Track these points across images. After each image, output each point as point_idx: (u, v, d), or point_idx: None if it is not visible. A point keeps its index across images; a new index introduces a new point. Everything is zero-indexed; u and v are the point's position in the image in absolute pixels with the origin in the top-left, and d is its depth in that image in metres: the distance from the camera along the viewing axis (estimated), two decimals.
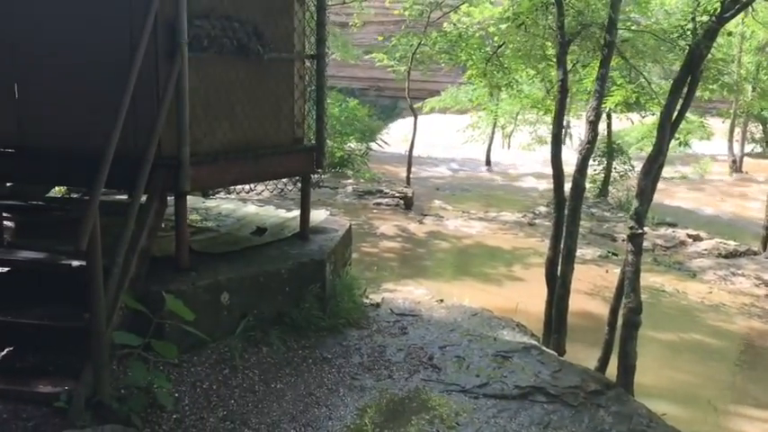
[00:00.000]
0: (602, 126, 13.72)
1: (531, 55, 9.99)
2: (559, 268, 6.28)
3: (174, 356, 3.58)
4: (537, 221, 13.56)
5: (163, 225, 4.34)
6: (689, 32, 5.76)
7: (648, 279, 9.22)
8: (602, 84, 6.20)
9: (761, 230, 12.52)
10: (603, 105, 7.98)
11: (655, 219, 13.04)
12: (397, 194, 14.30)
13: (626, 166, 16.38)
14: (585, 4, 6.89)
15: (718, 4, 5.22)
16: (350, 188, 14.42)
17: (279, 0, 4.60)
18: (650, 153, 5.70)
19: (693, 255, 11.59)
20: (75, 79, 4.09)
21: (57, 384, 3.23)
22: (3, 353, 3.43)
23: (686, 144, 15.06)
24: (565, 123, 15.18)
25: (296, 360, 4.17)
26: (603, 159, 15.93)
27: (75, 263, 3.54)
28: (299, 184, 5.15)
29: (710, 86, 8.08)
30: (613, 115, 15.49)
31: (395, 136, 20.91)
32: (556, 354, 5.06)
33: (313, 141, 5.02)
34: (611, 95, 11.26)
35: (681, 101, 5.69)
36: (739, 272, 10.60)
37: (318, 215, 5.68)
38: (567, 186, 6.41)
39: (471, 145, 22.12)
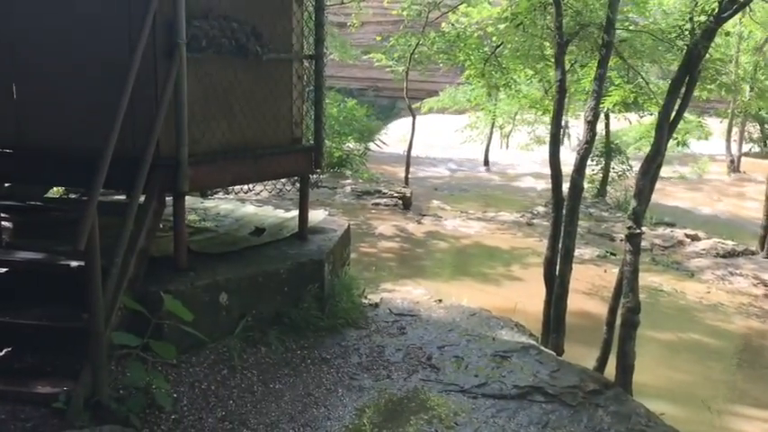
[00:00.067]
0: (600, 126, 13.76)
1: (530, 55, 9.99)
2: (558, 268, 6.28)
3: (173, 357, 3.59)
4: (535, 221, 13.56)
5: (161, 225, 4.34)
6: (687, 32, 5.76)
7: (647, 279, 9.23)
8: (601, 84, 6.20)
9: (759, 230, 12.52)
10: (602, 105, 8.01)
11: (653, 218, 13.04)
12: (396, 194, 14.29)
13: (624, 166, 16.38)
14: (584, 4, 6.89)
15: (716, 4, 5.22)
16: (348, 188, 14.41)
17: (277, 0, 4.60)
18: (648, 153, 5.70)
19: (691, 254, 11.60)
20: (73, 79, 4.09)
21: (55, 385, 3.23)
22: (1, 353, 3.43)
23: (684, 144, 15.07)
24: (563, 123, 15.18)
25: (294, 360, 4.17)
26: (602, 159, 15.94)
27: (74, 263, 3.55)
28: (298, 185, 5.15)
29: (708, 86, 8.08)
30: (611, 115, 15.49)
31: (393, 136, 20.89)
32: (554, 353, 5.07)
33: (311, 141, 5.03)
34: (610, 95, 11.27)
35: (679, 101, 5.69)
36: (737, 271, 10.61)
37: (317, 215, 5.68)
38: (566, 186, 6.41)
39: (469, 145, 22.10)
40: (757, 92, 17.44)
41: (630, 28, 8.29)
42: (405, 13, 14.95)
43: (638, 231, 5.49)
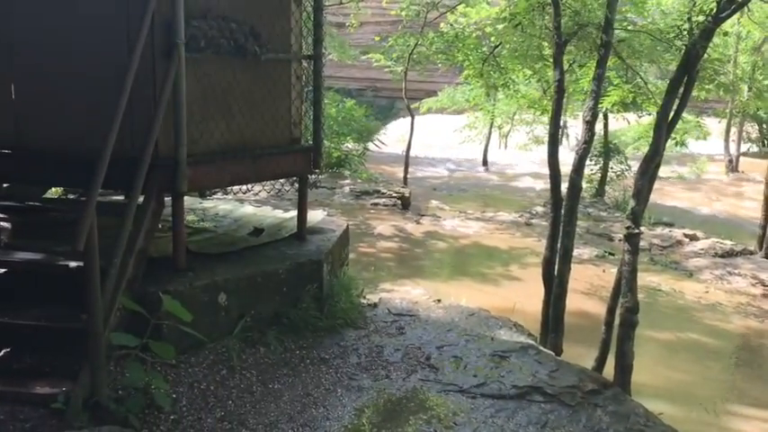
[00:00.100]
0: (598, 126, 13.75)
1: (528, 55, 10.00)
2: (556, 268, 6.28)
3: (172, 357, 3.59)
4: (534, 221, 13.57)
5: (160, 226, 4.34)
6: (685, 32, 5.76)
7: (645, 278, 9.23)
8: (599, 84, 6.21)
9: (757, 230, 12.53)
10: (600, 105, 8.01)
11: (651, 218, 13.05)
12: (395, 195, 14.29)
13: (622, 166, 16.39)
14: (582, 4, 6.89)
15: (714, 4, 5.22)
16: (347, 188, 14.41)
17: (276, 1, 4.60)
18: (647, 153, 5.70)
19: (690, 254, 11.61)
20: (72, 80, 4.09)
21: (54, 385, 3.23)
22: (0, 354, 3.43)
23: (683, 144, 15.07)
24: (561, 123, 15.17)
25: (293, 360, 4.17)
26: (600, 159, 15.95)
27: (73, 264, 3.54)
28: (297, 185, 5.15)
29: (707, 86, 8.08)
30: (610, 115, 15.51)
31: (392, 136, 20.90)
32: (553, 353, 5.07)
33: (310, 142, 5.03)
34: (608, 95, 11.27)
35: (677, 101, 5.69)
36: (736, 271, 10.62)
37: (316, 215, 5.68)
38: (564, 186, 6.41)
39: (468, 145, 22.13)
40: (755, 92, 17.45)
41: (629, 28, 8.29)
42: (403, 13, 14.96)
43: (637, 231, 5.50)
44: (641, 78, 10.18)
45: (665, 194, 17.16)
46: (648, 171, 5.58)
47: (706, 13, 5.32)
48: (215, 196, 6.81)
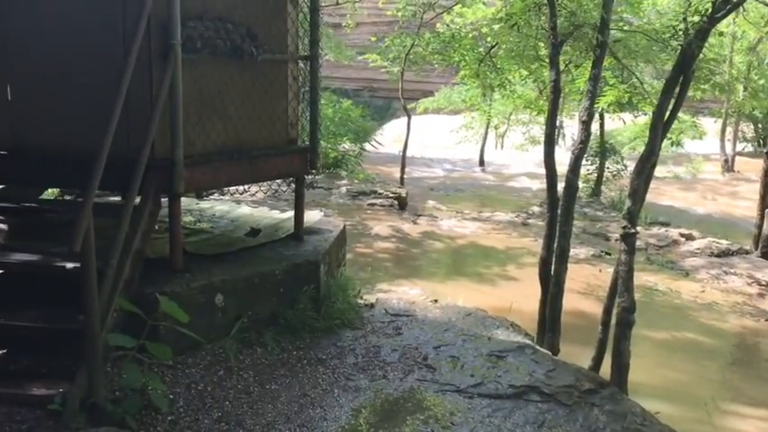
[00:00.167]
0: (594, 126, 13.78)
1: (524, 55, 10.01)
2: (553, 268, 6.29)
3: (169, 358, 3.59)
4: (530, 221, 13.59)
5: (157, 227, 4.33)
6: (681, 33, 5.78)
7: (641, 278, 9.25)
8: (595, 84, 6.22)
9: (753, 229, 12.58)
10: (596, 105, 8.01)
11: (648, 218, 13.08)
12: (391, 195, 14.30)
13: (619, 166, 16.43)
14: (578, 4, 6.90)
15: (710, 4, 5.25)
16: (344, 189, 14.42)
17: (272, 2, 4.61)
18: (643, 153, 5.72)
19: (686, 254, 11.64)
20: (68, 81, 4.09)
21: (51, 387, 3.22)
22: None
23: (678, 144, 15.12)
24: (558, 123, 15.19)
25: (291, 361, 4.17)
26: (596, 159, 15.98)
27: (69, 265, 3.54)
28: (293, 185, 5.15)
29: (702, 86, 8.10)
30: (606, 115, 15.54)
31: (388, 136, 20.92)
32: (550, 353, 5.08)
33: (307, 142, 5.03)
34: (604, 95, 11.29)
35: (673, 101, 5.71)
36: (732, 271, 10.65)
37: (312, 216, 5.69)
38: (561, 186, 6.42)
39: (465, 145, 22.15)
40: (751, 91, 17.51)
41: (625, 28, 8.30)
42: (399, 13, 14.97)
43: (633, 231, 5.51)
44: (637, 78, 10.18)
45: (662, 194, 17.20)
46: (644, 171, 5.60)
47: (701, 13, 5.34)
48: (212, 197, 6.81)
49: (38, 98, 4.18)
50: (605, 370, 5.62)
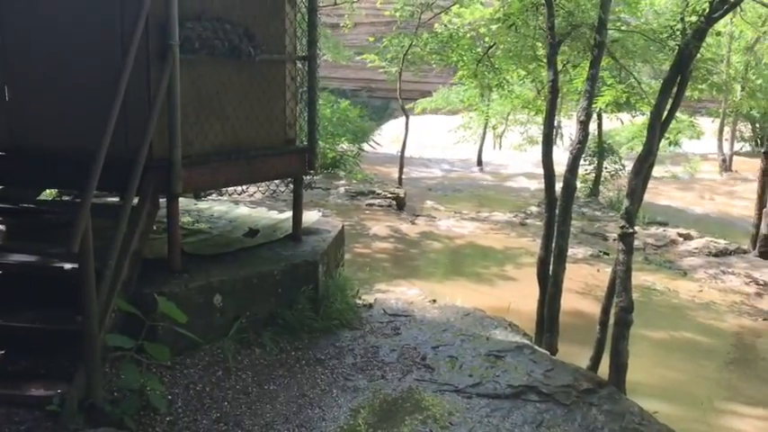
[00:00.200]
0: (592, 126, 13.80)
1: (522, 56, 10.02)
2: (551, 268, 6.29)
3: (167, 359, 3.59)
4: (528, 221, 13.60)
5: (155, 227, 4.33)
6: (678, 33, 5.79)
7: (639, 278, 9.26)
8: (593, 84, 6.23)
9: (750, 228, 12.59)
10: (594, 105, 8.02)
11: (645, 218, 13.09)
12: (390, 195, 14.30)
13: (616, 166, 16.44)
14: (575, 4, 6.91)
15: (707, 4, 5.25)
16: (342, 189, 14.41)
17: (270, 2, 4.61)
18: (640, 153, 5.73)
19: (684, 253, 11.65)
20: (66, 81, 4.09)
21: (49, 387, 3.22)
22: None
23: (676, 143, 15.14)
24: (556, 123, 15.21)
25: (289, 361, 4.17)
26: (594, 159, 15.99)
27: (68, 265, 3.54)
28: (292, 186, 5.15)
29: (700, 86, 8.11)
30: (604, 115, 15.55)
31: (387, 137, 20.91)
32: (548, 353, 5.08)
33: (305, 143, 5.03)
34: (602, 95, 11.30)
35: (670, 100, 5.72)
36: (729, 270, 10.66)
37: (311, 216, 5.69)
38: (559, 186, 6.43)
39: (463, 145, 22.16)
40: (748, 91, 17.50)
41: (622, 28, 8.31)
42: (397, 14, 14.96)
43: (631, 231, 5.52)
44: (635, 78, 10.20)
45: (659, 194, 17.22)
46: (642, 171, 5.60)
47: (699, 13, 5.35)
48: (210, 197, 6.81)
49: (36, 98, 4.18)
50: (603, 370, 5.62)
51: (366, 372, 4.17)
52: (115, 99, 3.43)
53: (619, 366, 5.44)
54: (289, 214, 5.39)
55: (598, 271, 10.02)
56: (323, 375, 4.07)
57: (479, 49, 12.87)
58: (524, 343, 4.84)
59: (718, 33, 11.69)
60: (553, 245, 6.31)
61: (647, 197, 6.25)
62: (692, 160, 21.18)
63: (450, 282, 9.50)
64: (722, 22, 9.14)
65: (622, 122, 16.75)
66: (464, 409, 3.87)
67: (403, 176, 16.90)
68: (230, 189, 5.52)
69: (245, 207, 6.21)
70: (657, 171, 10.75)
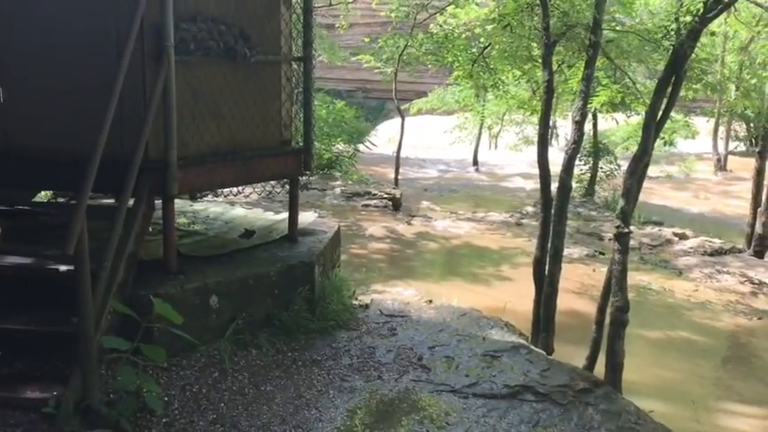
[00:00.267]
0: (588, 126, 13.81)
1: (517, 56, 10.01)
2: (547, 268, 6.31)
3: (163, 360, 3.58)
4: (524, 221, 13.61)
5: (150, 229, 4.32)
6: (673, 33, 5.81)
7: (635, 277, 9.28)
8: (588, 84, 6.24)
9: (745, 228, 12.63)
10: (589, 105, 8.05)
11: (641, 217, 13.12)
12: (386, 196, 14.29)
13: (612, 166, 16.47)
14: (570, 5, 6.92)
15: (701, 4, 5.27)
16: (338, 190, 14.41)
17: (265, 3, 4.60)
18: (636, 152, 5.74)
19: (679, 253, 11.68)
20: (61, 83, 4.07)
21: (45, 390, 3.21)
22: None
23: (671, 143, 15.16)
24: (551, 124, 15.21)
25: (285, 362, 4.17)
26: (590, 159, 16.02)
27: (63, 267, 3.53)
28: (287, 187, 5.15)
29: (694, 86, 8.14)
30: (599, 115, 15.57)
31: (382, 137, 20.92)
32: (544, 353, 5.09)
33: (301, 143, 5.03)
34: (597, 96, 11.32)
35: (665, 100, 5.74)
36: (725, 269, 10.69)
37: (307, 217, 5.68)
38: (554, 186, 6.44)
39: (458, 146, 22.16)
40: (743, 91, 17.53)
41: (617, 28, 8.33)
42: (393, 14, 14.96)
43: (627, 230, 5.53)
44: (630, 78, 10.22)
45: (655, 194, 17.26)
46: (637, 170, 5.62)
47: (693, 13, 5.36)
48: (205, 199, 6.80)
49: (31, 100, 4.16)
50: (599, 369, 5.63)
51: (362, 372, 4.18)
52: (110, 100, 3.42)
53: (615, 366, 5.46)
54: (285, 215, 5.39)
55: (594, 271, 10.03)
56: (319, 376, 4.07)
57: (475, 50, 12.87)
58: (520, 343, 4.85)
59: (713, 33, 11.72)
60: (549, 245, 6.32)
61: (642, 197, 6.27)
62: (687, 160, 21.24)
63: (446, 282, 9.50)
64: (716, 22, 9.17)
65: (617, 122, 16.78)
66: (461, 409, 3.87)
67: (399, 177, 16.90)
68: (226, 190, 5.52)
69: (240, 208, 6.21)
70: (653, 171, 10.81)
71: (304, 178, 10.45)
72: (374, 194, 14.29)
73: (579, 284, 9.34)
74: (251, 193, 5.59)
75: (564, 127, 17.63)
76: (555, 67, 7.78)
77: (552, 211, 6.36)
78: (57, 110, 4.10)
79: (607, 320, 5.74)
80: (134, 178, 3.62)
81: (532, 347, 4.93)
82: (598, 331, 5.97)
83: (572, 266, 9.72)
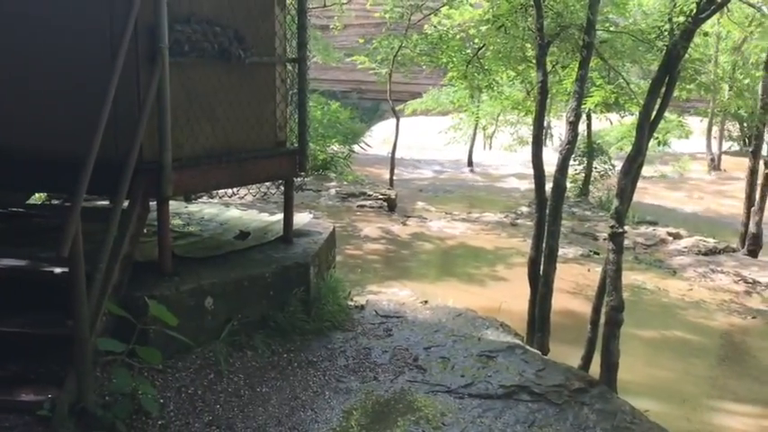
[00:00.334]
0: (582, 126, 13.85)
1: (512, 57, 10.06)
2: (542, 268, 6.32)
3: (159, 362, 3.57)
4: (519, 221, 13.64)
5: (145, 230, 4.32)
6: (666, 33, 5.83)
7: (630, 277, 9.30)
8: (582, 85, 6.26)
9: (739, 227, 12.68)
10: (583, 106, 8.06)
11: (635, 217, 13.16)
12: (381, 196, 14.30)
13: (606, 166, 16.53)
14: (564, 5, 6.95)
15: (694, 4, 5.29)
16: (333, 191, 14.40)
17: (260, 4, 4.60)
18: (630, 152, 5.77)
19: (674, 252, 11.72)
20: (55, 84, 4.06)
21: (39, 392, 3.20)
22: None
23: (665, 143, 15.22)
24: (545, 124, 15.29)
25: (281, 364, 4.16)
26: (584, 159, 16.07)
27: (58, 270, 3.52)
28: (282, 188, 5.15)
29: (688, 86, 8.19)
30: (593, 115, 15.63)
31: (377, 138, 20.98)
32: (539, 353, 5.10)
33: (295, 144, 5.03)
34: (591, 96, 11.37)
35: (659, 100, 5.76)
36: (719, 269, 10.73)
37: (302, 218, 5.68)
38: (549, 186, 6.46)
39: (453, 146, 22.21)
40: (736, 91, 17.65)
41: (611, 29, 8.38)
42: (387, 15, 14.98)
43: (621, 230, 5.55)
44: (623, 79, 10.27)
45: (649, 193, 17.32)
46: (632, 170, 5.64)
47: (686, 13, 5.38)
48: (200, 200, 6.78)
49: (24, 102, 4.15)
50: (595, 369, 5.65)
51: (358, 373, 4.18)
52: (105, 102, 3.41)
53: (610, 365, 5.48)
54: (279, 216, 5.38)
55: (588, 271, 10.06)
56: (315, 377, 4.07)
57: (469, 51, 12.91)
58: (516, 343, 4.85)
59: (706, 34, 11.79)
60: (544, 245, 6.33)
61: (636, 197, 6.29)
62: (681, 160, 21.33)
63: (441, 282, 9.50)
64: (709, 22, 9.22)
65: (611, 123, 16.84)
66: (456, 409, 3.88)
67: (394, 178, 16.91)
68: (221, 192, 5.50)
69: (235, 209, 6.20)
70: (647, 171, 10.82)
71: (299, 179, 10.43)
72: (369, 195, 14.29)
73: (574, 284, 9.36)
74: (246, 195, 5.57)
75: (558, 127, 17.70)
76: (549, 67, 7.81)
77: (547, 211, 6.38)
78: (51, 111, 4.09)
79: (602, 320, 5.76)
80: (129, 180, 3.61)
81: (528, 347, 4.94)
82: (593, 331, 5.99)
83: (567, 266, 9.74)
